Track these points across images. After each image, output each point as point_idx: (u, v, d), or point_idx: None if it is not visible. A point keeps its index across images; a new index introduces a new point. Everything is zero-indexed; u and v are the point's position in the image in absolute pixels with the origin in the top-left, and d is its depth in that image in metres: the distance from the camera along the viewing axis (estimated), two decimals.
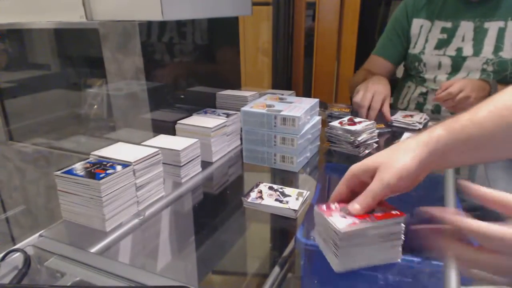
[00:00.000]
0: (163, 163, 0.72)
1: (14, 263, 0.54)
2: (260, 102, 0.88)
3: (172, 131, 0.89)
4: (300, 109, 0.82)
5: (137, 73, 1.00)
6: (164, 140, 0.80)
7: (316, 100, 0.91)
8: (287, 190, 0.72)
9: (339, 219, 0.44)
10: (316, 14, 1.82)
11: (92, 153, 0.69)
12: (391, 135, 1.03)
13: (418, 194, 0.46)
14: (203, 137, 0.85)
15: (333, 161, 0.92)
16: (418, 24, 1.23)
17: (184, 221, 0.73)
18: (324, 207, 0.47)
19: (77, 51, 1.38)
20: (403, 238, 0.44)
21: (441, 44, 1.18)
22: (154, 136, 0.83)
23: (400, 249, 0.45)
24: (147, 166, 0.67)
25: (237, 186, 0.86)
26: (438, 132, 0.46)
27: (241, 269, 0.63)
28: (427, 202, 0.46)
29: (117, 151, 0.70)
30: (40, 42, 1.42)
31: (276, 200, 0.69)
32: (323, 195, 0.64)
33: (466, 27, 1.14)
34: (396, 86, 1.38)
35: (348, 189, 0.50)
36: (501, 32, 1.10)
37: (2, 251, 0.55)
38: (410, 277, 0.45)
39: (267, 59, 1.78)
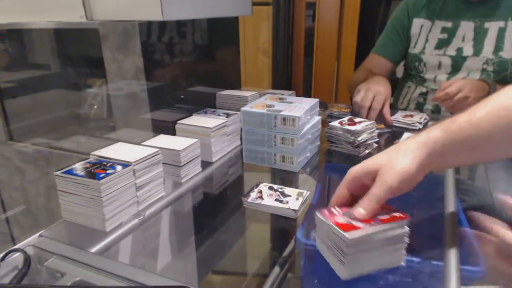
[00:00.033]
0: (163, 163, 0.72)
1: (14, 263, 0.54)
2: (260, 102, 0.88)
3: (172, 131, 0.89)
4: (300, 109, 0.82)
5: (137, 73, 0.99)
6: (164, 140, 0.80)
7: (316, 100, 0.91)
8: (287, 190, 0.72)
9: (344, 225, 0.43)
10: (316, 14, 1.82)
11: (92, 153, 0.69)
12: (391, 135, 1.03)
13: (418, 194, 0.46)
14: (203, 137, 0.85)
15: (333, 161, 0.91)
16: (418, 23, 1.23)
17: (184, 221, 0.73)
18: (326, 211, 0.46)
19: (77, 51, 1.38)
20: (407, 241, 0.44)
21: (441, 44, 1.18)
22: (154, 136, 0.83)
23: (404, 252, 0.44)
24: (147, 166, 0.67)
25: (237, 186, 0.86)
26: (436, 133, 0.46)
27: (241, 269, 0.62)
28: (427, 202, 0.46)
29: (117, 151, 0.70)
30: (40, 42, 1.42)
31: (276, 200, 0.69)
32: (323, 195, 0.64)
33: (467, 27, 1.14)
34: (396, 86, 1.38)
35: (349, 192, 0.49)
36: (501, 32, 1.10)
37: (2, 251, 0.55)
38: (410, 277, 0.45)
39: (267, 59, 1.78)
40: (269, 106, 0.85)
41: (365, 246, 0.42)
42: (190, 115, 0.96)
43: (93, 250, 0.58)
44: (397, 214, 0.45)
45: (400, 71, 1.43)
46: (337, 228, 0.42)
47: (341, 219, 0.44)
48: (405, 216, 0.44)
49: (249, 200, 0.69)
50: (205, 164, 0.85)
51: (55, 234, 0.61)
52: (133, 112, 1.05)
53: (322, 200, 0.62)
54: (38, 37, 1.42)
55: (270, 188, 0.73)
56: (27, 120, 1.44)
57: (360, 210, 0.44)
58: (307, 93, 1.95)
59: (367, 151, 0.91)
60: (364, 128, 0.89)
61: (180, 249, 0.65)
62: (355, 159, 0.88)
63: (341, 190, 0.50)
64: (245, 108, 0.84)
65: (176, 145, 0.77)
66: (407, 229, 0.44)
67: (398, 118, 1.08)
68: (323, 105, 1.16)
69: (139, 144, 0.75)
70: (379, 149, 0.94)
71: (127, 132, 1.09)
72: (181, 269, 0.61)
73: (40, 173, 1.39)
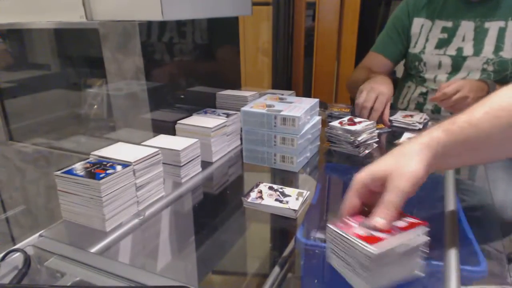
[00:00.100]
0: (163, 163, 0.72)
1: (14, 263, 0.54)
2: (260, 102, 0.88)
3: (172, 131, 0.89)
4: (300, 109, 0.82)
5: (137, 73, 0.99)
6: (164, 140, 0.80)
7: (316, 100, 0.91)
8: (287, 190, 0.72)
9: (367, 237, 0.40)
10: (316, 14, 1.82)
11: (92, 153, 0.69)
12: (391, 135, 1.03)
13: (418, 194, 0.46)
14: (203, 137, 0.85)
15: (333, 161, 0.91)
16: (418, 23, 1.23)
17: (184, 221, 0.73)
18: (340, 223, 0.44)
19: (77, 51, 1.38)
20: (426, 250, 0.42)
21: (442, 44, 1.18)
22: (154, 136, 0.83)
23: (422, 261, 0.42)
24: (147, 166, 0.67)
25: (237, 186, 0.86)
26: (437, 134, 0.46)
27: (241, 269, 0.62)
28: (427, 202, 0.46)
29: (117, 151, 0.70)
30: (40, 42, 1.42)
31: (276, 200, 0.69)
32: (323, 195, 0.64)
33: (467, 27, 1.14)
34: (396, 86, 1.38)
35: (360, 200, 0.47)
36: (501, 32, 1.10)
37: (2, 251, 0.55)
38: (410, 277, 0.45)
39: (267, 59, 1.78)
40: (269, 106, 0.85)
41: (390, 258, 0.39)
42: (190, 115, 0.96)
43: (93, 250, 0.58)
44: (413, 220, 0.43)
45: (400, 71, 1.43)
46: (360, 241, 0.39)
47: (361, 231, 0.41)
48: (423, 222, 0.43)
49: (249, 200, 0.69)
50: (205, 164, 0.85)
51: (55, 234, 0.61)
52: (133, 112, 1.05)
53: (322, 200, 0.62)
54: (38, 37, 1.42)
55: (270, 188, 0.73)
56: (27, 120, 1.44)
57: (378, 219, 0.42)
58: (307, 93, 1.95)
59: (367, 151, 0.91)
60: (364, 128, 0.89)
61: (180, 249, 0.65)
62: (355, 159, 0.88)
63: (351, 199, 0.47)
64: (245, 108, 0.84)
65: (176, 145, 0.77)
66: (427, 237, 0.42)
67: (398, 118, 1.08)
68: (323, 105, 1.16)
69: (139, 144, 0.75)
70: (379, 149, 0.94)
71: (127, 132, 1.09)
72: (181, 269, 0.61)
73: (40, 173, 1.39)
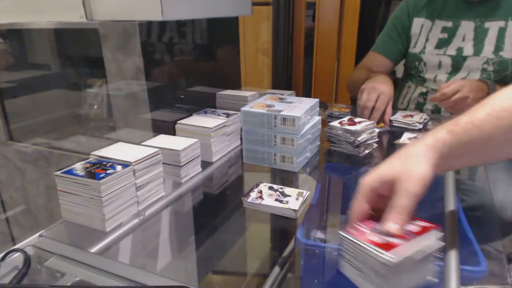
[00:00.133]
0: (163, 163, 0.72)
1: (14, 263, 0.54)
2: (260, 102, 0.88)
3: (172, 131, 0.89)
4: (300, 109, 0.82)
5: (137, 73, 0.99)
6: (164, 140, 0.80)
7: (316, 100, 0.91)
8: (287, 190, 0.72)
9: (382, 244, 0.38)
10: (316, 14, 1.82)
11: (92, 153, 0.69)
12: (391, 135, 1.03)
13: None
14: (203, 137, 0.85)
15: (333, 161, 0.91)
16: (418, 23, 1.23)
17: (184, 221, 0.73)
18: (352, 230, 0.42)
19: (77, 51, 1.38)
20: (440, 255, 0.41)
21: (442, 44, 1.18)
22: (154, 136, 0.83)
23: (435, 266, 0.41)
24: (147, 166, 0.67)
25: (237, 186, 0.86)
26: (442, 135, 0.46)
27: (241, 269, 0.62)
28: (427, 202, 0.46)
29: (117, 151, 0.70)
30: (40, 42, 1.42)
31: (276, 200, 0.69)
32: (323, 195, 0.64)
33: (467, 27, 1.14)
34: (396, 86, 1.38)
35: (370, 205, 0.46)
36: (501, 32, 1.10)
37: (2, 251, 0.55)
38: None
39: (267, 59, 1.78)
40: (269, 106, 0.85)
41: (406, 265, 0.38)
42: (190, 115, 0.96)
43: (93, 250, 0.58)
44: (424, 224, 0.42)
45: (400, 71, 1.43)
46: (376, 248, 0.38)
47: (375, 237, 0.40)
48: (435, 226, 0.42)
49: (249, 200, 0.69)
50: (205, 164, 0.85)
51: (55, 234, 0.61)
52: (133, 112, 1.05)
53: (322, 200, 0.62)
54: (38, 37, 1.42)
55: (270, 188, 0.73)
56: (27, 120, 1.44)
57: (391, 225, 0.41)
58: (307, 93, 1.95)
59: (367, 151, 0.91)
60: (364, 128, 0.89)
61: (180, 249, 0.65)
62: (355, 159, 0.88)
63: (360, 204, 0.46)
64: (245, 108, 0.84)
65: (176, 145, 0.77)
66: (442, 243, 0.41)
67: (398, 118, 1.08)
68: (323, 105, 1.16)
69: (139, 144, 0.75)
70: (379, 149, 0.94)
71: (127, 132, 1.09)
72: (181, 269, 0.61)
73: (40, 173, 1.39)
